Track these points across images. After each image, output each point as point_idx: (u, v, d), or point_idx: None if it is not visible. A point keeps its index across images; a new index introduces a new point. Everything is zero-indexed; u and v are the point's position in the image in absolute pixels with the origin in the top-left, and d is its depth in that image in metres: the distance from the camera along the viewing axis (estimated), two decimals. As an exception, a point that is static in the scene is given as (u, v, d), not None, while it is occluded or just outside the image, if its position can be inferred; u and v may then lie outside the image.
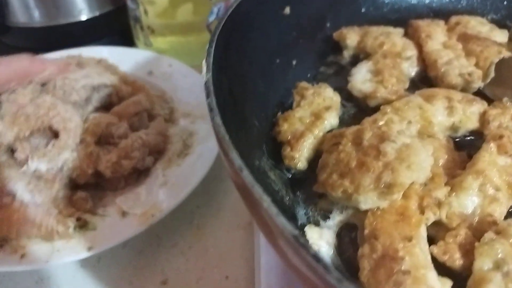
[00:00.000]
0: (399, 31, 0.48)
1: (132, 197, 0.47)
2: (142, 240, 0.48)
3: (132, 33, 0.76)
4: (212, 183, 0.54)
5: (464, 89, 0.41)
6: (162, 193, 0.48)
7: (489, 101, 0.39)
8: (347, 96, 0.43)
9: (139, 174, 0.51)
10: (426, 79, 0.44)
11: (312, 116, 0.38)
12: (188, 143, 0.54)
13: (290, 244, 0.19)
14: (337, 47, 0.49)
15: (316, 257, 0.18)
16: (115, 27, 0.78)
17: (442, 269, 0.27)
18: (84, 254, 0.42)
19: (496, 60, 0.38)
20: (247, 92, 0.38)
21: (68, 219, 0.44)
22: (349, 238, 0.31)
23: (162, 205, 0.46)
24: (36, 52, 0.57)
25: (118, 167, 0.48)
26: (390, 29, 0.47)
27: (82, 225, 0.44)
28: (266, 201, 0.21)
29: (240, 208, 0.52)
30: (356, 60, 0.47)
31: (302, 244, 0.19)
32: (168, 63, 0.67)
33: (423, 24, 0.47)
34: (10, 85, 0.50)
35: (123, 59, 0.67)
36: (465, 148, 0.36)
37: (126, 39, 0.77)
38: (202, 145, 0.53)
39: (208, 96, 0.28)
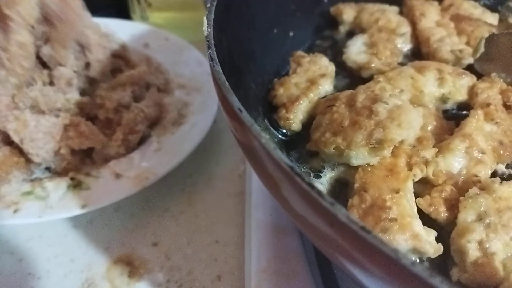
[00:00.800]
0: (394, 9, 0.49)
1: (126, 161, 0.48)
2: (134, 204, 0.49)
3: (129, 6, 0.76)
4: (204, 154, 0.55)
5: (454, 65, 0.42)
6: (156, 159, 0.48)
7: (478, 76, 0.40)
8: (341, 68, 0.44)
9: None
10: (418, 56, 0.45)
11: (308, 82, 0.39)
12: (183, 113, 0.55)
13: (286, 174, 0.20)
14: (333, 23, 0.50)
15: (311, 184, 0.19)
16: (111, 0, 0.78)
17: (427, 223, 0.29)
18: (77, 211, 0.42)
19: (486, 35, 0.40)
20: (244, 56, 0.39)
21: (63, 179, 0.45)
22: (342, 195, 0.32)
23: (156, 169, 0.47)
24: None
25: (127, 143, 0.49)
26: (386, 6, 0.49)
27: (76, 185, 0.45)
28: (264, 138, 0.22)
29: (231, 178, 0.53)
30: (351, 35, 0.48)
31: (297, 173, 0.20)
32: (164, 37, 0.67)
33: (418, 3, 0.48)
34: None
35: (120, 31, 0.67)
36: (453, 119, 0.37)
37: (122, 13, 0.77)
38: (196, 116, 0.54)
39: (209, 48, 0.29)
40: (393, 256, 0.17)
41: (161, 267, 0.44)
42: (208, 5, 0.34)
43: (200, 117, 0.54)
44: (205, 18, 0.32)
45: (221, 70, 0.27)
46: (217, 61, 0.27)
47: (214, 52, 0.28)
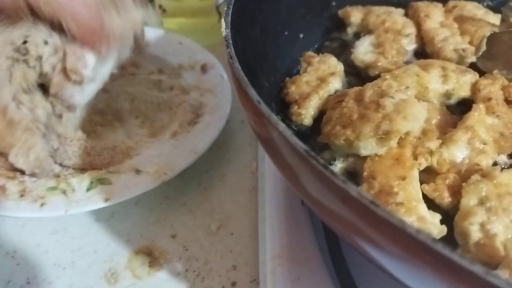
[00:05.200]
0: (400, 11, 0.51)
1: (145, 158, 0.51)
2: (152, 199, 0.51)
3: (144, 13, 0.79)
4: (218, 152, 0.58)
5: (458, 63, 0.44)
6: (173, 156, 0.51)
7: (481, 73, 0.42)
8: (348, 68, 0.46)
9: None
10: (423, 55, 0.48)
11: (318, 80, 0.41)
12: (198, 112, 0.57)
13: (302, 158, 0.23)
14: (341, 25, 0.52)
15: (325, 165, 0.22)
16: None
17: (432, 208, 0.31)
18: (101, 204, 0.45)
19: (488, 33, 0.42)
20: (258, 56, 0.41)
21: (86, 174, 0.47)
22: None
23: (174, 166, 0.49)
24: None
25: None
26: (392, 9, 0.51)
27: (99, 180, 0.47)
28: (281, 126, 0.24)
29: (244, 175, 0.56)
30: (358, 37, 0.50)
31: (312, 155, 0.22)
32: (179, 41, 0.70)
33: (423, 5, 0.51)
34: None
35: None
36: (457, 114, 0.39)
37: (137, 19, 0.80)
38: (210, 115, 0.57)
39: (228, 47, 0.31)
40: (399, 225, 0.19)
41: (179, 258, 0.46)
42: (225, 9, 0.36)
43: (214, 116, 0.56)
44: (223, 20, 0.34)
45: (239, 67, 0.29)
46: (236, 59, 0.30)
47: (233, 51, 0.30)
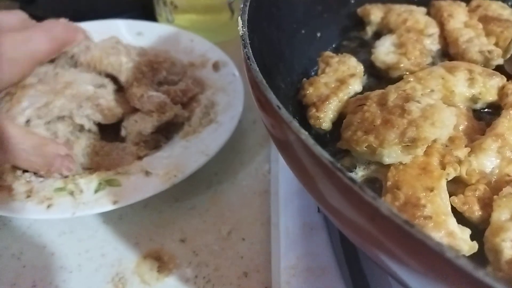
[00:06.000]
0: (422, 9, 0.49)
1: (155, 160, 0.49)
2: (162, 202, 0.50)
3: (155, 9, 0.77)
4: (229, 153, 0.56)
5: (484, 66, 0.42)
6: (183, 157, 0.49)
7: (509, 76, 0.40)
8: (368, 69, 0.44)
9: (159, 141, 0.53)
10: (447, 57, 0.45)
11: (337, 81, 0.39)
12: (209, 112, 0.55)
13: (327, 169, 0.21)
14: (360, 24, 0.50)
15: (352, 179, 0.20)
16: (137, 2, 0.80)
17: (461, 222, 0.29)
18: (109, 207, 0.43)
19: (517, 35, 0.39)
20: (274, 56, 0.39)
21: (94, 175, 0.46)
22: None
23: (184, 167, 0.48)
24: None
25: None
26: (413, 7, 0.49)
27: (108, 181, 0.46)
28: (304, 134, 0.22)
29: (256, 177, 0.54)
30: (378, 36, 0.48)
31: (338, 168, 0.20)
32: (190, 38, 0.68)
33: (445, 4, 0.48)
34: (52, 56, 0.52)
35: (146, 32, 0.68)
36: (483, 120, 0.37)
37: (148, 15, 0.78)
38: (222, 115, 0.55)
39: (245, 47, 0.30)
40: (437, 249, 0.17)
41: (189, 263, 0.45)
42: (242, 6, 0.34)
43: (226, 116, 0.55)
44: (239, 18, 0.33)
45: (257, 69, 0.27)
46: (254, 60, 0.28)
47: (250, 51, 0.29)
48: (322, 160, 0.21)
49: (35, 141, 0.45)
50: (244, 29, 0.31)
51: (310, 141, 0.22)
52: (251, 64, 0.28)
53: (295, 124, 0.23)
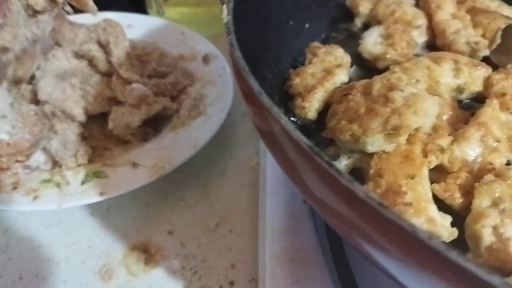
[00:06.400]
0: (410, 1, 0.49)
1: (143, 151, 0.49)
2: (150, 194, 0.50)
3: (145, 1, 0.77)
4: (218, 146, 0.56)
5: (470, 57, 0.42)
6: (172, 149, 0.49)
7: (494, 67, 0.40)
8: (356, 60, 0.44)
9: (147, 133, 0.53)
10: (433, 48, 0.45)
11: (324, 72, 0.39)
12: (198, 104, 0.55)
13: (306, 153, 0.21)
14: (348, 16, 0.50)
15: (329, 163, 0.20)
16: (128, -5, 0.79)
17: (442, 209, 0.29)
18: (96, 198, 0.43)
19: (503, 26, 0.39)
20: (261, 46, 0.39)
21: (81, 167, 0.46)
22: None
23: (172, 159, 0.47)
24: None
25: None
26: (402, -1, 0.49)
27: (95, 173, 0.46)
28: (283, 119, 0.22)
29: (244, 170, 0.54)
30: (366, 28, 0.48)
31: (316, 152, 0.20)
32: (180, 31, 0.68)
33: (434, -4, 0.48)
34: None
35: (136, 25, 0.68)
36: (468, 110, 0.37)
37: (138, 8, 0.78)
38: (211, 107, 0.55)
39: (228, 34, 0.30)
40: (410, 230, 0.17)
41: (176, 255, 0.45)
42: (227, -5, 0.34)
43: (215, 109, 0.55)
44: (224, 6, 0.32)
45: (241, 55, 0.27)
46: (237, 47, 0.28)
47: (234, 38, 0.29)
48: (300, 145, 0.21)
49: None
50: (228, 17, 0.31)
51: (290, 126, 0.22)
52: (234, 51, 0.28)
53: (275, 109, 0.23)
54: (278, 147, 0.25)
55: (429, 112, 0.31)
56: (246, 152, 0.56)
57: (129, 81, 0.52)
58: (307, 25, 0.47)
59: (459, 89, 0.38)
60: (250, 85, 0.25)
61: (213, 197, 0.51)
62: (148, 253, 0.44)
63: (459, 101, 0.38)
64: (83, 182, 0.45)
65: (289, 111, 0.38)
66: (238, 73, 0.27)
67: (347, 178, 0.19)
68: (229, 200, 0.51)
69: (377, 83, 0.34)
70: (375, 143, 0.30)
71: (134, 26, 0.68)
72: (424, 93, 0.32)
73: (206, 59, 0.63)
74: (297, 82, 0.38)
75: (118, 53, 0.53)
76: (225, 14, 0.31)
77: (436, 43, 0.45)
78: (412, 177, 0.28)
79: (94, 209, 0.48)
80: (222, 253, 0.45)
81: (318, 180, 0.21)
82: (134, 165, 0.47)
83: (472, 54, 0.42)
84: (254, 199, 0.50)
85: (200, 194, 0.51)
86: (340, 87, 0.39)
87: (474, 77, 0.38)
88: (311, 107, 0.36)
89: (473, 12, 0.47)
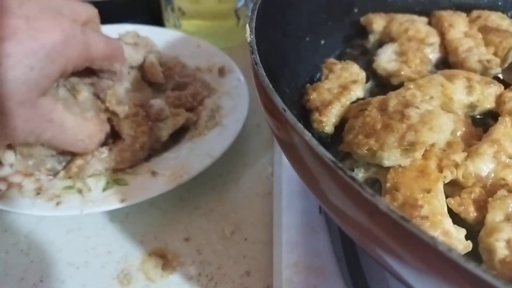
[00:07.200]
0: (423, 19, 0.50)
1: (162, 160, 0.51)
2: (167, 201, 0.51)
3: (162, 14, 0.79)
4: (233, 156, 0.57)
5: (482, 74, 0.43)
6: (189, 159, 0.51)
7: (506, 85, 0.41)
8: (371, 76, 0.45)
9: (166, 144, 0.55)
10: (446, 65, 0.47)
11: (340, 87, 0.40)
12: (214, 115, 0.57)
13: (329, 168, 0.22)
14: (363, 32, 0.51)
15: (352, 177, 0.21)
16: (145, 8, 0.82)
17: (457, 223, 0.30)
18: (117, 205, 0.45)
19: (515, 46, 0.41)
20: (279, 62, 0.41)
21: (102, 174, 0.47)
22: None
23: (189, 169, 0.49)
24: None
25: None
26: (415, 17, 0.50)
27: (115, 180, 0.47)
28: (307, 135, 0.24)
29: (259, 180, 0.55)
30: (380, 44, 0.50)
31: (339, 167, 0.22)
32: (197, 44, 0.70)
33: (446, 14, 0.50)
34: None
35: (154, 38, 0.70)
36: (481, 126, 0.38)
37: (155, 21, 0.80)
38: (227, 118, 0.56)
39: (252, 53, 0.31)
40: (430, 243, 0.18)
41: (192, 261, 0.46)
42: (249, 14, 0.36)
43: (231, 120, 0.56)
44: (247, 25, 0.34)
45: (264, 74, 0.29)
46: (261, 65, 0.29)
47: (258, 57, 0.30)
48: (324, 160, 0.22)
49: (90, 129, 0.47)
50: (252, 36, 0.33)
51: (314, 142, 0.23)
52: (258, 70, 0.29)
53: (299, 126, 0.24)
54: (299, 160, 0.27)
55: (444, 128, 0.32)
56: (260, 161, 0.58)
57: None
58: (322, 41, 0.48)
59: (472, 106, 0.39)
60: (275, 102, 0.26)
61: (228, 205, 0.52)
62: (165, 259, 0.46)
63: (472, 118, 0.40)
64: (104, 189, 0.46)
65: (306, 124, 0.39)
66: (262, 90, 0.28)
67: (369, 192, 0.20)
68: (244, 208, 0.52)
69: (393, 100, 0.35)
70: (391, 157, 0.31)
71: (152, 39, 0.69)
72: (439, 110, 0.33)
73: (221, 71, 0.65)
74: (314, 97, 0.40)
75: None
76: (248, 33, 0.33)
77: (448, 60, 0.47)
78: (428, 191, 0.29)
79: (113, 216, 0.50)
80: (237, 260, 0.46)
81: (340, 192, 0.23)
82: (153, 173, 0.48)
83: (484, 72, 0.44)
84: (268, 208, 0.51)
85: (216, 202, 0.52)
86: (356, 102, 0.40)
87: (487, 95, 0.40)
88: (328, 121, 0.38)
89: (485, 30, 0.48)
